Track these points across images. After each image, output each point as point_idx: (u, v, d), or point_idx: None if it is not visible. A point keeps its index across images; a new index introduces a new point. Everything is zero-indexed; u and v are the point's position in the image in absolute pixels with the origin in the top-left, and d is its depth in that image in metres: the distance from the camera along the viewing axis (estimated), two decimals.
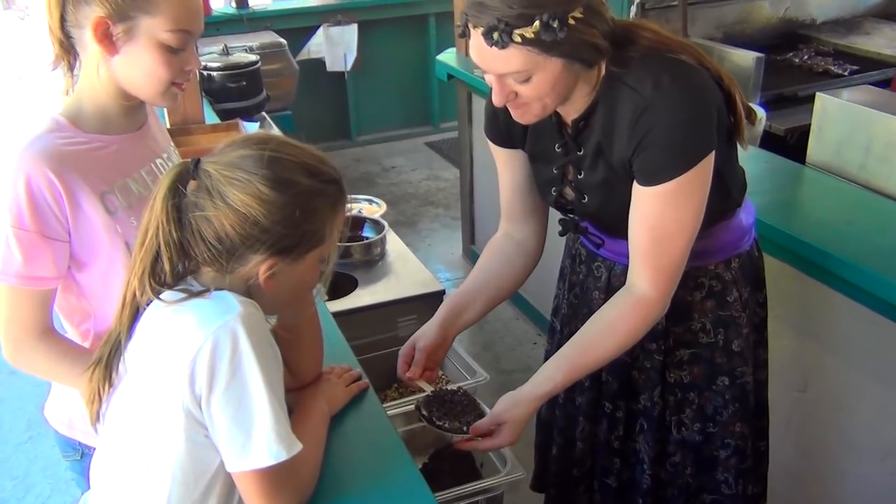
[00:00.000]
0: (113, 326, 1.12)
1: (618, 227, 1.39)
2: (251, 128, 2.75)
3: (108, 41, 1.22)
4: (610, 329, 1.38)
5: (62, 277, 1.29)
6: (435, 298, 2.12)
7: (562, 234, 1.62)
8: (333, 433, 1.28)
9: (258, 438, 0.99)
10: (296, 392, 1.32)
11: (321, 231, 1.07)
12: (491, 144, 1.56)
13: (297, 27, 5.02)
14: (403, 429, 1.80)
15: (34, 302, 1.27)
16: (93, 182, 1.26)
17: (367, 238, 2.45)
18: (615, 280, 1.53)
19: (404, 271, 2.33)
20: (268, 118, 3.49)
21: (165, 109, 2.40)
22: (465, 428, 1.39)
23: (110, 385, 1.11)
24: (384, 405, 1.59)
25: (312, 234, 1.06)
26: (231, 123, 2.34)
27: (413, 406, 1.50)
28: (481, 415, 1.42)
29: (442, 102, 5.66)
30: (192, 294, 1.04)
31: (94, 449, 1.35)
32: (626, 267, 1.41)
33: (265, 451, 1.00)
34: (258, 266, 1.05)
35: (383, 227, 2.45)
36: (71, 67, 1.31)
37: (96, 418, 1.14)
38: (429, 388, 1.50)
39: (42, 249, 1.23)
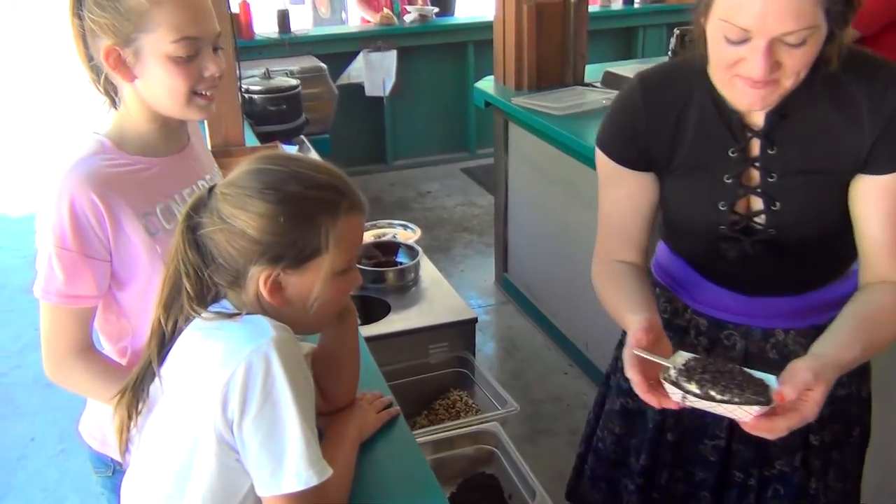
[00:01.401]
0: (143, 353, 1.13)
1: (802, 248, 1.28)
2: (290, 151, 2.78)
3: (122, 68, 1.24)
4: (890, 312, 1.22)
5: (102, 296, 1.31)
6: (467, 326, 2.12)
7: (727, 257, 1.36)
8: (363, 460, 1.27)
9: (289, 463, 0.99)
10: (327, 416, 1.32)
11: (316, 238, 1.05)
12: (613, 166, 1.37)
13: (338, 52, 5.09)
14: (432, 457, 1.79)
15: (75, 320, 1.29)
16: (135, 203, 1.28)
17: (401, 263, 2.45)
18: (755, 347, 1.40)
19: (437, 298, 2.32)
20: (306, 141, 3.53)
21: (208, 131, 2.44)
22: (762, 399, 1.05)
23: (137, 412, 1.12)
24: (413, 432, 1.58)
25: (306, 240, 1.04)
26: (271, 146, 2.37)
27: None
28: (765, 386, 1.07)
29: (478, 129, 5.70)
30: (224, 316, 1.05)
31: (127, 466, 1.37)
32: (765, 331, 1.35)
33: (295, 476, 1.00)
34: (258, 279, 1.05)
35: (417, 253, 2.46)
36: (114, 101, 1.33)
37: (125, 449, 1.14)
38: (674, 362, 1.12)
39: (83, 269, 1.25)
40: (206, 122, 2.46)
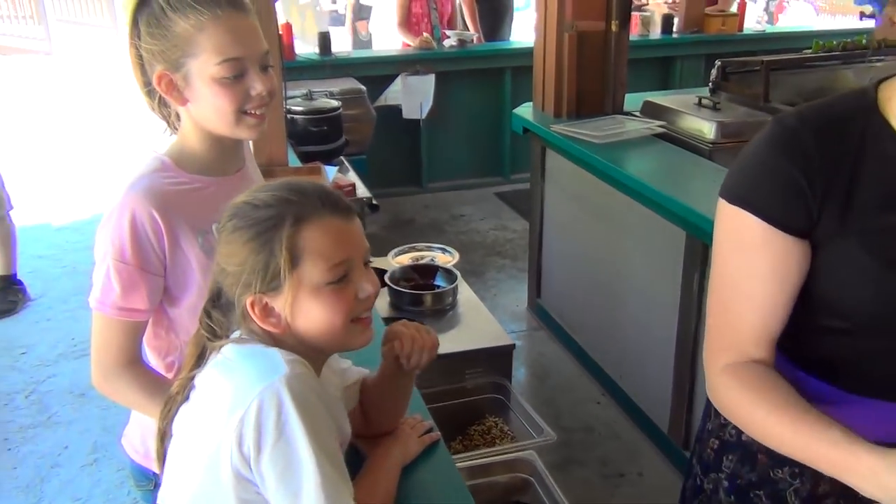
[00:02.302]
0: (184, 371, 1.15)
1: None
2: (331, 171, 2.81)
3: (174, 92, 1.28)
4: None
5: (153, 311, 1.33)
6: (504, 352, 2.11)
7: None
8: (404, 484, 1.27)
9: (305, 499, 0.99)
10: (371, 440, 1.32)
11: (276, 255, 1.03)
12: (762, 229, 1.06)
13: (377, 75, 5.14)
14: (467, 483, 1.77)
15: (126, 332, 1.32)
16: (192, 221, 1.30)
17: (438, 287, 2.45)
18: None
19: (475, 323, 2.32)
20: (346, 162, 3.56)
21: (252, 150, 2.47)
22: None
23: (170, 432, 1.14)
24: None
25: (267, 260, 1.03)
26: (314, 167, 2.39)
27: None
28: None
29: (513, 154, 5.71)
30: (238, 341, 1.07)
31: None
32: None
33: None
34: (247, 308, 1.07)
35: (455, 277, 2.46)
36: (171, 124, 1.38)
37: (162, 456, 1.16)
38: None
39: (139, 283, 1.28)
40: (250, 141, 2.49)
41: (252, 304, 1.06)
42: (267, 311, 1.06)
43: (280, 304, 1.05)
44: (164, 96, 1.30)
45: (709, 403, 1.29)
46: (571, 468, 2.90)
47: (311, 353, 1.10)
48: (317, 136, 3.45)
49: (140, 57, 1.30)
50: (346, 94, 4.33)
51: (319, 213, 1.05)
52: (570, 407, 3.29)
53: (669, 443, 2.88)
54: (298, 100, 3.62)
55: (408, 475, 1.30)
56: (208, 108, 1.28)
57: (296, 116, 3.43)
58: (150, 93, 1.33)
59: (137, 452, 1.48)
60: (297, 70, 4.78)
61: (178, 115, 1.36)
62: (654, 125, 3.20)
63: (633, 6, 4.53)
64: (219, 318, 1.11)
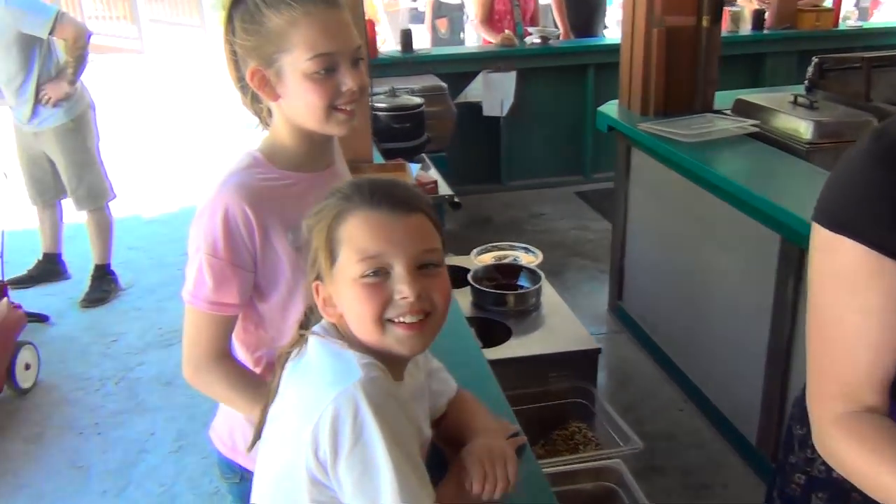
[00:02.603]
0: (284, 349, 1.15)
1: None
2: (414, 168, 2.81)
3: (267, 88, 1.28)
4: None
5: (244, 306, 1.34)
6: (589, 357, 2.06)
7: None
8: None
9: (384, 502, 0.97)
10: (454, 442, 1.29)
11: (319, 247, 1.06)
12: (870, 259, 0.95)
13: (458, 72, 5.13)
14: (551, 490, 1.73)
15: (217, 327, 1.33)
16: (283, 217, 1.30)
17: (522, 287, 2.42)
18: None
19: (559, 325, 2.28)
20: (427, 159, 3.56)
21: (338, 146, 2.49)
22: None
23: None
24: None
25: (315, 251, 1.07)
26: (398, 164, 2.39)
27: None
28: None
29: (595, 153, 5.62)
30: (317, 335, 1.08)
31: (253, 473, 1.39)
32: None
33: None
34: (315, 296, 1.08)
35: (539, 278, 2.42)
36: (264, 120, 1.38)
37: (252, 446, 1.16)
38: None
39: (230, 278, 1.29)
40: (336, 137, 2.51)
41: (317, 289, 1.08)
42: (326, 300, 1.07)
43: (329, 291, 1.06)
44: (257, 92, 1.31)
45: (790, 433, 1.21)
46: (652, 477, 2.82)
47: (386, 358, 1.07)
48: (399, 133, 3.45)
49: (234, 53, 1.31)
50: (427, 90, 4.33)
51: (360, 207, 1.04)
52: (652, 413, 3.20)
53: (757, 455, 2.77)
54: (382, 97, 3.63)
55: None
56: (299, 104, 1.28)
57: (379, 113, 3.44)
58: (244, 88, 1.34)
59: (225, 445, 1.50)
60: (379, 67, 4.81)
61: (269, 111, 1.36)
62: (747, 124, 3.09)
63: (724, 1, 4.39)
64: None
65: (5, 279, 3.58)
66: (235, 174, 1.30)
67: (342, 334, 1.08)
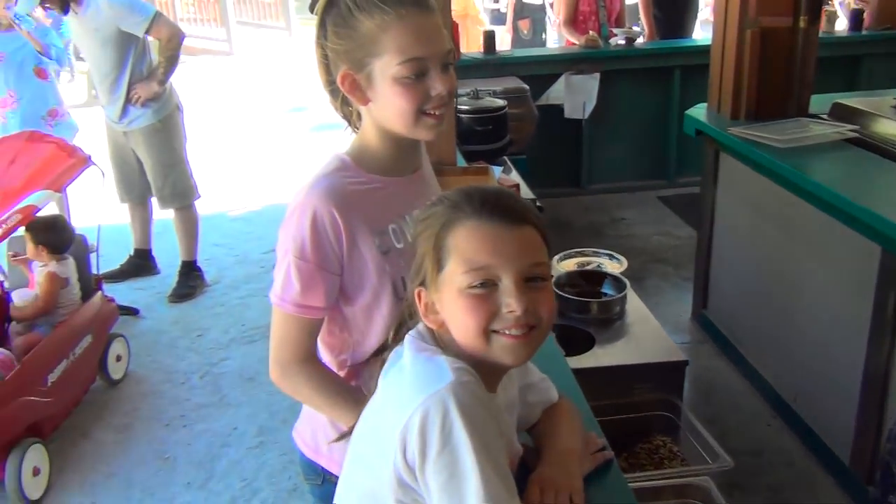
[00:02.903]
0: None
1: None
2: (497, 171, 2.79)
3: (357, 92, 1.29)
4: None
5: (330, 309, 1.34)
6: (676, 369, 1.99)
7: None
8: None
9: None
10: (540, 455, 1.27)
11: (427, 254, 1.06)
12: None
13: (540, 74, 5.08)
14: None
15: (303, 329, 1.34)
16: (371, 221, 1.31)
17: (606, 295, 2.37)
18: None
19: (644, 334, 2.22)
20: (508, 162, 3.53)
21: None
22: None
23: None
24: None
25: (422, 258, 1.07)
26: (481, 168, 2.37)
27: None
28: None
29: (679, 157, 5.48)
30: (413, 340, 1.08)
31: (336, 476, 1.38)
32: None
33: None
34: (417, 301, 1.09)
35: (625, 286, 2.37)
36: (353, 123, 1.39)
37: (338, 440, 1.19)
38: None
39: (318, 281, 1.29)
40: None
41: (418, 295, 1.08)
42: (428, 307, 1.07)
43: (433, 299, 1.06)
44: (347, 96, 1.31)
45: (888, 471, 1.13)
46: (736, 495, 2.72)
47: (482, 367, 1.06)
48: (482, 136, 3.44)
49: (325, 56, 1.31)
50: (509, 92, 4.29)
51: (470, 217, 1.03)
52: (737, 427, 3.09)
53: (851, 476, 2.64)
54: (465, 98, 3.62)
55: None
56: (389, 108, 1.28)
57: (462, 115, 3.43)
58: (334, 92, 1.34)
59: (308, 446, 1.50)
60: (462, 69, 4.80)
61: (359, 115, 1.36)
62: (845, 129, 2.96)
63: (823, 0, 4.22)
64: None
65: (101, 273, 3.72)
66: (324, 177, 1.30)
67: (438, 340, 1.08)
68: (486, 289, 1.01)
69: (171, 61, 4.10)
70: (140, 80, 4.06)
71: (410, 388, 1.01)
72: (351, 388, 1.38)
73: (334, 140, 1.46)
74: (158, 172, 4.22)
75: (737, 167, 3.28)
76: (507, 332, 1.02)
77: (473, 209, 1.04)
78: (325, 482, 1.47)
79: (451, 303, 1.03)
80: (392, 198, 1.35)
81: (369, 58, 1.25)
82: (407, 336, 1.10)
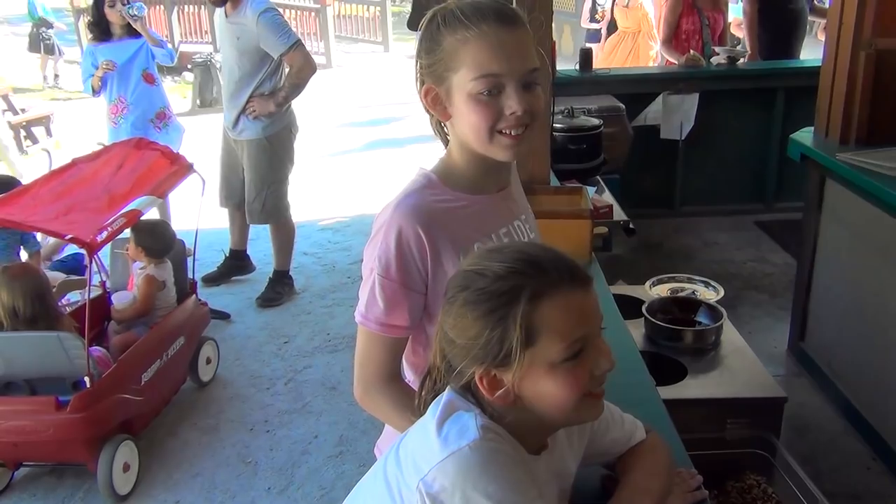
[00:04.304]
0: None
1: None
2: (590, 191, 2.73)
3: (438, 106, 1.27)
4: None
5: (414, 329, 1.33)
6: (774, 405, 1.89)
7: None
8: None
9: None
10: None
11: (511, 331, 0.97)
12: None
13: (636, 93, 4.99)
14: None
15: (387, 348, 1.33)
16: (455, 239, 1.28)
17: (700, 323, 2.28)
18: None
19: (739, 367, 2.12)
20: (601, 182, 3.47)
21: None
22: None
23: None
24: None
25: (501, 336, 0.97)
26: (575, 188, 2.32)
27: None
28: None
29: (779, 181, 5.28)
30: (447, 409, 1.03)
31: None
32: None
33: None
34: (475, 379, 1.02)
35: (721, 315, 2.27)
36: (445, 139, 1.37)
37: None
38: None
39: (402, 300, 1.28)
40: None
41: (481, 378, 1.01)
42: (496, 385, 1.01)
43: (509, 377, 0.99)
44: (429, 110, 1.30)
45: None
46: None
47: (531, 428, 1.04)
48: (575, 154, 3.38)
49: (420, 72, 1.30)
50: (604, 111, 4.22)
51: (557, 288, 0.98)
52: (833, 469, 2.93)
53: None
54: (559, 117, 3.58)
55: None
56: (465, 125, 1.26)
57: (556, 133, 3.39)
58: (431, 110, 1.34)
59: None
60: (557, 86, 4.74)
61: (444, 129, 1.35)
62: None
63: None
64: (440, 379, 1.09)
65: (197, 277, 3.84)
66: (410, 195, 1.29)
67: (481, 401, 1.04)
68: (579, 358, 0.98)
69: (295, 88, 4.20)
70: (261, 95, 4.17)
71: (434, 440, 0.99)
72: None
73: (426, 153, 1.45)
74: (253, 187, 4.32)
75: (843, 194, 3.12)
76: (596, 391, 1.02)
77: (552, 281, 0.99)
78: None
79: (540, 378, 0.98)
80: (477, 216, 1.33)
81: (448, 72, 1.24)
82: (448, 389, 1.06)
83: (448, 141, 1.37)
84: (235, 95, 4.19)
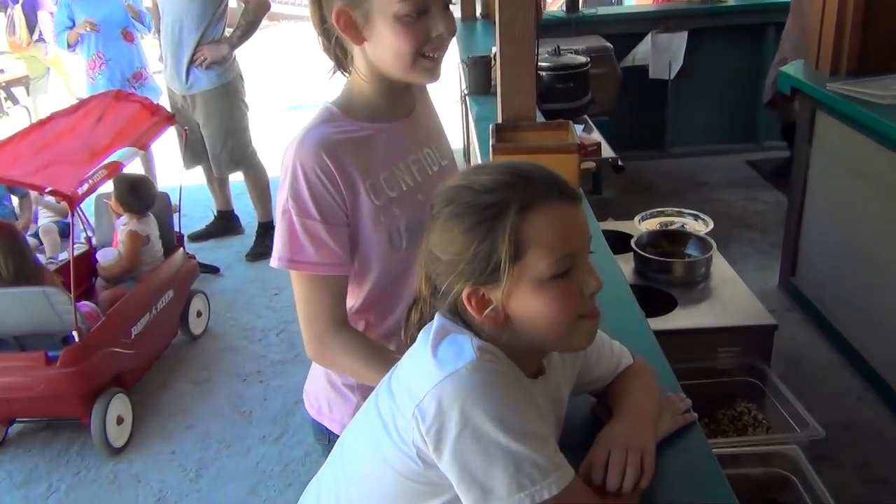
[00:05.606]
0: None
1: None
2: (578, 130, 2.69)
3: (352, 30, 1.21)
4: None
5: (350, 263, 1.27)
6: (764, 333, 1.88)
7: None
8: None
9: (496, 492, 0.90)
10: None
11: (499, 245, 0.93)
12: None
13: (625, 33, 4.91)
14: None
15: (330, 290, 1.26)
16: (363, 168, 1.24)
17: (690, 256, 2.26)
18: None
19: (730, 297, 2.11)
20: (590, 121, 3.42)
21: (500, 104, 2.41)
22: None
23: None
24: None
25: (489, 251, 0.94)
26: (561, 123, 2.28)
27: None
28: None
29: (770, 120, 5.23)
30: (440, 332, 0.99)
31: (339, 436, 1.34)
32: None
33: (504, 502, 0.90)
34: (462, 299, 0.98)
35: (711, 247, 2.25)
36: (345, 68, 1.30)
37: None
38: None
39: (328, 236, 1.22)
40: (498, 95, 2.43)
41: (469, 296, 0.97)
42: (485, 303, 0.97)
43: (497, 295, 0.96)
44: (342, 35, 1.23)
45: None
46: (823, 469, 2.57)
47: (526, 351, 1.01)
48: (562, 94, 3.33)
49: None
50: (592, 51, 4.16)
51: (546, 201, 0.94)
52: (825, 400, 2.95)
53: None
54: (545, 56, 3.52)
55: (658, 457, 1.17)
56: (385, 49, 1.21)
57: (541, 73, 3.33)
58: (326, 32, 1.27)
59: (313, 407, 1.46)
60: (543, 28, 4.66)
61: (351, 58, 1.28)
62: None
63: None
64: (427, 309, 1.05)
65: (184, 233, 3.80)
66: (310, 131, 1.23)
67: (472, 325, 1.00)
68: (567, 276, 0.95)
69: (249, 27, 4.10)
70: (211, 41, 4.07)
71: (430, 364, 0.95)
72: (387, 351, 1.31)
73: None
74: (217, 138, 4.22)
75: (835, 126, 3.08)
76: (587, 312, 0.98)
77: (541, 193, 0.95)
78: (330, 442, 1.41)
79: (528, 295, 0.95)
80: (383, 144, 1.29)
81: None
82: (437, 315, 1.02)
83: (346, 66, 1.30)
84: (181, 45, 4.04)
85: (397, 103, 1.33)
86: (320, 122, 1.26)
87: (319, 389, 1.44)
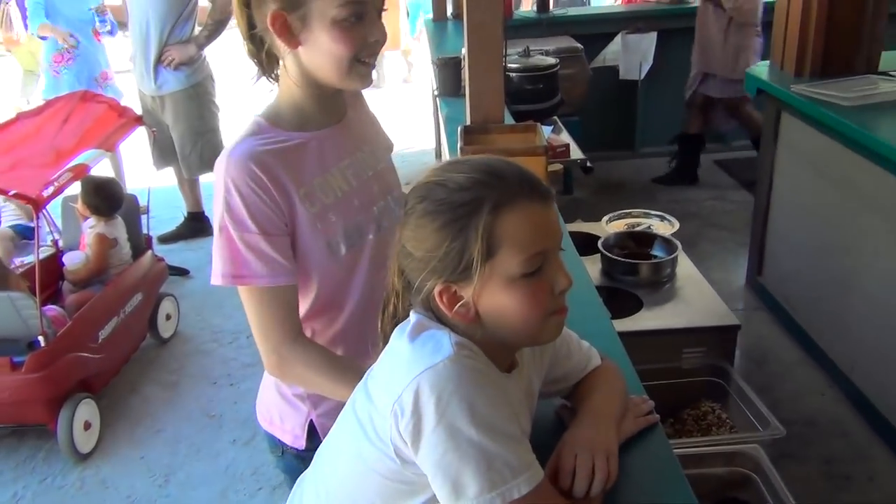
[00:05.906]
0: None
1: None
2: (546, 131, 2.71)
3: (287, 34, 1.19)
4: None
5: (296, 272, 1.25)
6: (728, 333, 1.91)
7: None
8: None
9: (468, 487, 0.90)
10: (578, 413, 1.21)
11: (471, 243, 0.94)
12: None
13: (595, 33, 4.94)
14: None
15: (281, 302, 1.24)
16: (294, 177, 1.22)
17: (656, 257, 2.28)
18: None
19: (695, 298, 2.14)
20: (559, 122, 3.44)
21: (468, 106, 2.42)
22: None
23: None
24: None
25: (461, 248, 0.95)
26: (529, 125, 2.30)
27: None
28: None
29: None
30: (416, 328, 1.00)
31: (294, 448, 1.38)
32: None
33: (474, 500, 0.91)
34: (434, 295, 0.98)
35: (676, 247, 2.28)
36: (271, 74, 1.28)
37: None
38: None
39: (270, 248, 1.20)
40: (467, 97, 2.44)
41: (440, 293, 0.98)
42: (456, 300, 0.98)
43: (468, 292, 0.97)
44: (274, 40, 1.21)
45: None
46: (788, 464, 2.63)
47: (499, 346, 1.02)
48: (532, 95, 3.35)
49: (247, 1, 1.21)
50: (562, 52, 4.19)
51: (519, 199, 0.95)
52: (790, 397, 3.00)
53: None
54: (515, 56, 3.53)
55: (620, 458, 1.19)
56: (321, 54, 1.20)
57: (510, 74, 3.35)
58: (253, 38, 1.24)
59: (265, 419, 1.45)
60: (513, 28, 4.69)
61: (279, 64, 1.26)
62: None
63: None
64: (401, 304, 1.06)
65: (153, 234, 3.76)
66: (237, 146, 1.21)
67: (445, 322, 1.01)
68: (538, 274, 0.96)
69: (218, 26, 4.06)
70: (178, 42, 4.03)
71: (408, 359, 0.95)
72: (348, 360, 1.30)
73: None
74: (187, 139, 4.18)
75: (799, 127, 3.13)
76: (557, 309, 0.99)
77: (514, 192, 0.95)
78: (284, 454, 1.43)
79: (499, 292, 0.96)
80: (315, 152, 1.27)
81: None
82: (413, 312, 1.03)
83: (273, 74, 1.28)
84: (148, 45, 4.00)
85: (328, 109, 1.31)
86: (247, 135, 1.24)
87: (270, 401, 1.42)
